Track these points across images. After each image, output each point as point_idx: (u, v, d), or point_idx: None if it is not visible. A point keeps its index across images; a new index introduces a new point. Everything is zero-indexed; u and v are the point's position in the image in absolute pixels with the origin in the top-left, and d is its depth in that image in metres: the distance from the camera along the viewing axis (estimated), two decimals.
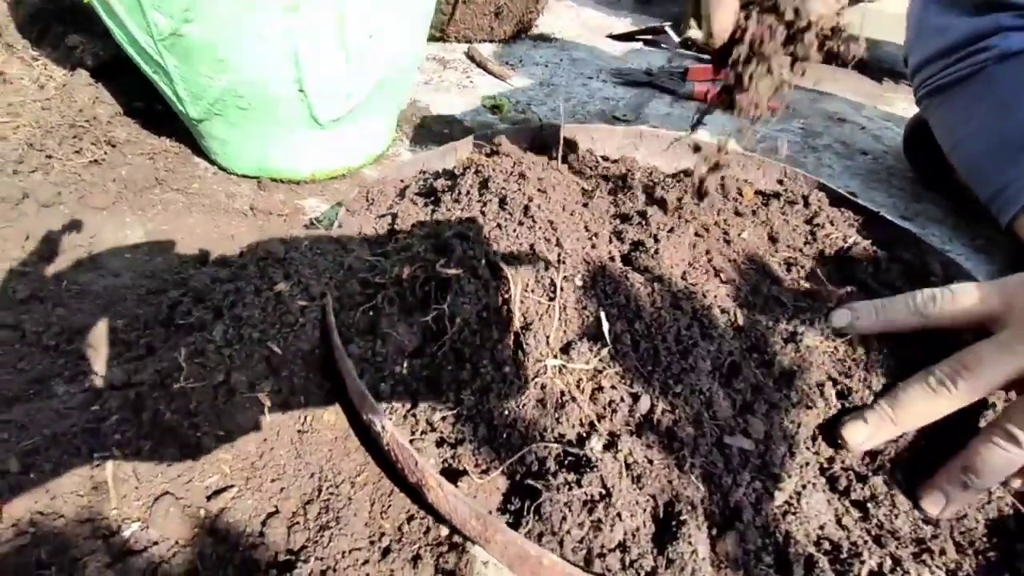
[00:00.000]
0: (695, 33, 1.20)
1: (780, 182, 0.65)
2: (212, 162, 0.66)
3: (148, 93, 0.72)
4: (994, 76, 0.68)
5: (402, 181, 0.51)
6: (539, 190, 0.38)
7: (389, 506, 0.34)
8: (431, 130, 0.80)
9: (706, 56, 1.18)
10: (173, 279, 0.45)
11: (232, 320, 0.34)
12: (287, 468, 0.33)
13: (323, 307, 0.34)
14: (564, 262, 0.34)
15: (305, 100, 0.55)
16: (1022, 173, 0.64)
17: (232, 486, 0.32)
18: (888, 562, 0.32)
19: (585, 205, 0.44)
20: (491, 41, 1.09)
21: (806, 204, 0.55)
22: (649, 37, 1.23)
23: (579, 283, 0.34)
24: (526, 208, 0.36)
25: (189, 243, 0.55)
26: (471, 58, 1.01)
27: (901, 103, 1.14)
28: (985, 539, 0.34)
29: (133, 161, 0.64)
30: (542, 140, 0.63)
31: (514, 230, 0.35)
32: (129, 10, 0.47)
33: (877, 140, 0.97)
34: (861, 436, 0.33)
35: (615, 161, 0.61)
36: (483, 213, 0.37)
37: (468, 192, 0.39)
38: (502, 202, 0.37)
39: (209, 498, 0.32)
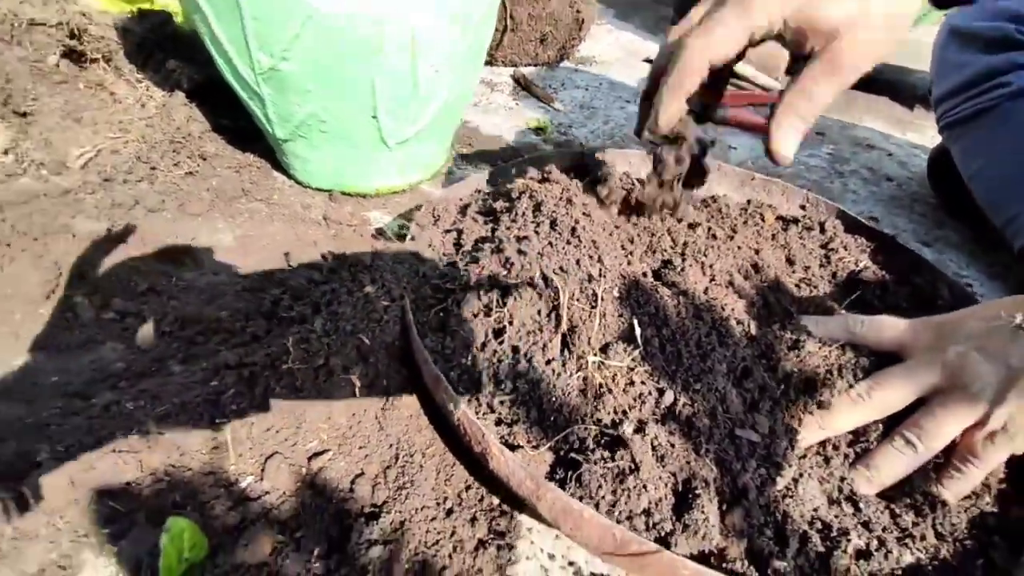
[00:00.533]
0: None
1: (802, 207, 0.70)
2: (289, 176, 0.75)
3: (234, 112, 0.82)
4: (1009, 112, 0.72)
5: (461, 199, 0.59)
6: (584, 214, 0.45)
7: (452, 476, 0.41)
8: (481, 149, 0.87)
9: (743, 84, 1.23)
10: (271, 279, 0.53)
11: (329, 315, 0.41)
12: (371, 438, 0.40)
13: (403, 307, 0.42)
14: (604, 276, 0.41)
15: (377, 125, 0.63)
16: None
17: (328, 450, 0.39)
18: (874, 543, 0.37)
19: (618, 227, 0.51)
20: (536, 65, 1.17)
21: (822, 230, 0.60)
22: None
23: (616, 294, 0.41)
24: (573, 229, 0.43)
25: (273, 247, 0.63)
26: (517, 81, 1.09)
27: (930, 131, 1.17)
28: (965, 531, 0.40)
29: (222, 173, 0.73)
30: (584, 164, 0.69)
31: (563, 248, 0.42)
32: (238, 50, 0.56)
33: (903, 167, 1.01)
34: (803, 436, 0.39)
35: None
36: (536, 233, 0.44)
37: (524, 214, 0.46)
38: (552, 224, 0.44)
39: (310, 459, 0.39)
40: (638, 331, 0.39)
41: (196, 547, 0.36)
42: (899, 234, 0.83)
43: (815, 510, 0.37)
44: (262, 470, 0.39)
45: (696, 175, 0.49)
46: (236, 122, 0.81)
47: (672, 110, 0.44)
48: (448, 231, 0.50)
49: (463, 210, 0.54)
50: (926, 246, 0.81)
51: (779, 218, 0.64)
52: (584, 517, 0.31)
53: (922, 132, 1.17)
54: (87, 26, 0.75)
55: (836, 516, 0.37)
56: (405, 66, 0.58)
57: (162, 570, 0.34)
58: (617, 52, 1.33)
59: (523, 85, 1.06)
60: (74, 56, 0.74)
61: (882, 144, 1.08)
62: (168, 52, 0.82)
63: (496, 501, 0.42)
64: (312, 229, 0.67)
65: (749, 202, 0.66)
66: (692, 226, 0.55)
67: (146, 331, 0.50)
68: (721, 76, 0.47)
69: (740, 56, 0.44)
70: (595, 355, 0.38)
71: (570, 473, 0.35)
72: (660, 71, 0.45)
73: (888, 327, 0.42)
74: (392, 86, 0.60)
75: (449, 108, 0.69)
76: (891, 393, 0.38)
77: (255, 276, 0.57)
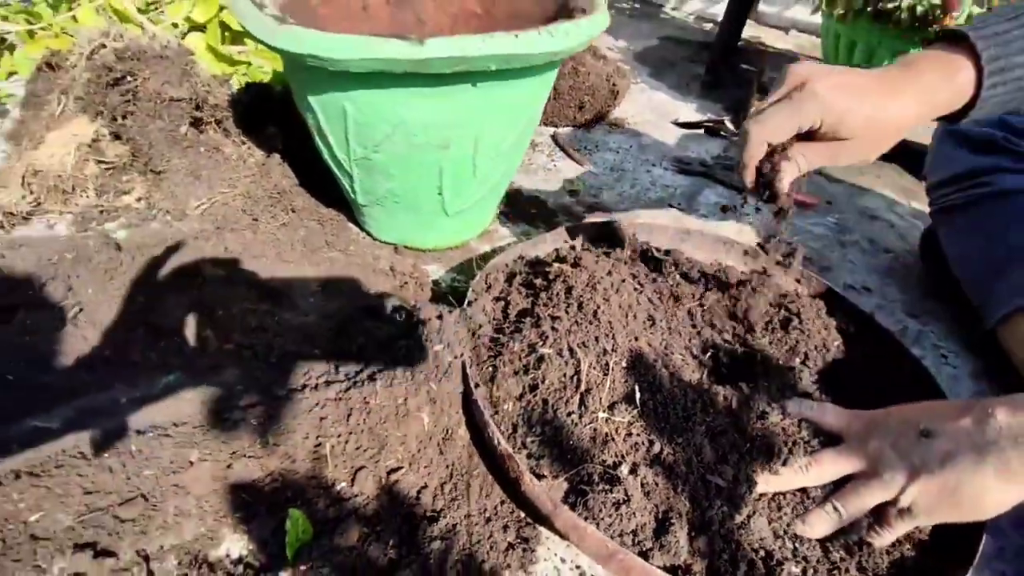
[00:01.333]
0: None
1: (798, 280, 0.82)
2: (362, 230, 0.90)
3: (319, 173, 0.98)
4: (989, 208, 0.83)
5: (507, 265, 0.73)
6: (604, 299, 0.58)
7: (491, 492, 0.55)
8: (522, 209, 1.01)
9: None
10: (356, 326, 0.67)
11: (407, 365, 0.55)
12: (434, 460, 0.54)
13: (463, 363, 0.56)
14: (615, 351, 0.54)
15: (441, 199, 0.78)
16: (1002, 290, 0.79)
17: (402, 467, 0.53)
18: (809, 571, 0.49)
19: (638, 302, 0.64)
20: (573, 126, 1.31)
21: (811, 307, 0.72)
22: (710, 125, 1.41)
23: (624, 365, 0.54)
24: (595, 312, 0.56)
25: (352, 294, 0.78)
26: (555, 141, 1.23)
27: None
28: (885, 570, 0.51)
29: (308, 225, 0.88)
30: (611, 232, 0.83)
31: (586, 327, 0.55)
32: (337, 141, 0.71)
33: (903, 239, 1.11)
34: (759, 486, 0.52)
35: (667, 253, 0.81)
36: (567, 312, 0.57)
37: (557, 294, 0.59)
38: (580, 306, 0.57)
39: (389, 473, 0.53)
40: (638, 396, 0.52)
41: (305, 532, 0.51)
42: (888, 304, 0.94)
43: (762, 540, 0.49)
44: (352, 479, 0.53)
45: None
46: (319, 181, 0.97)
47: (748, 176, 0.60)
48: (498, 299, 0.64)
49: (509, 279, 0.68)
50: (912, 317, 0.92)
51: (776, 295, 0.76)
52: (588, 532, 0.44)
53: (925, 202, 1.26)
54: (207, 97, 0.91)
55: (779, 548, 0.49)
56: (467, 156, 0.73)
57: (288, 545, 0.48)
58: (648, 114, 1.46)
59: (560, 146, 1.20)
60: (196, 123, 0.90)
61: (885, 215, 1.19)
62: (267, 118, 0.98)
63: (523, 515, 0.55)
64: (381, 279, 0.82)
65: (753, 272, 0.78)
66: (699, 299, 0.68)
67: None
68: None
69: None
70: (604, 411, 0.51)
71: (579, 499, 0.48)
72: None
73: (831, 414, 0.54)
74: (455, 171, 0.74)
75: (499, 184, 0.84)
76: (825, 469, 0.51)
77: (341, 321, 0.71)
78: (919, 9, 1.03)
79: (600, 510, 0.47)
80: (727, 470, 0.51)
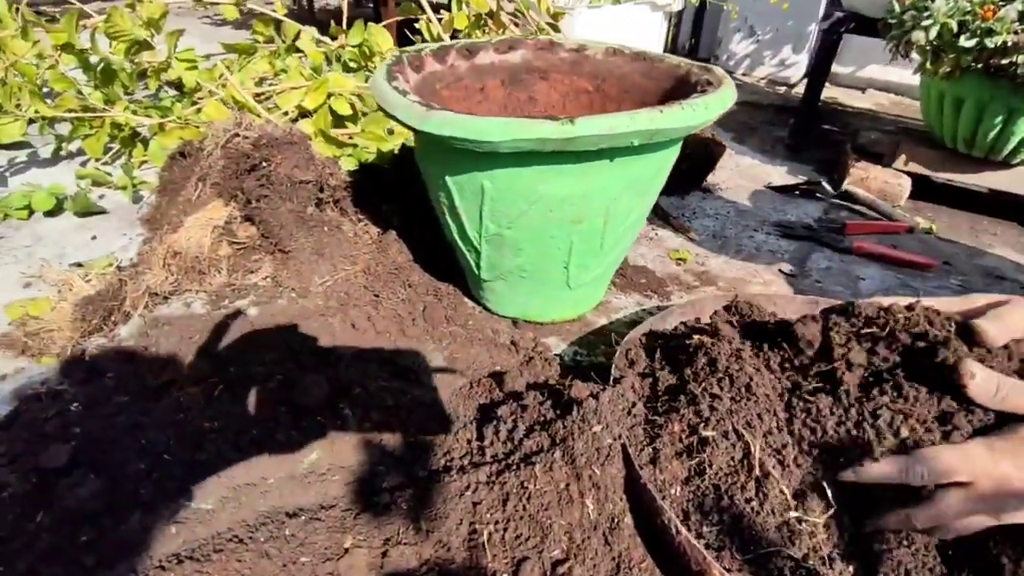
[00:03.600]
0: (850, 187, 1.33)
1: None
2: (478, 304, 0.90)
3: (431, 247, 1.00)
4: None
5: (642, 340, 0.71)
6: (755, 369, 0.55)
7: None
8: (631, 280, 1.00)
9: (862, 209, 1.31)
10: (496, 406, 0.66)
11: (565, 449, 0.53)
12: (599, 551, 0.51)
13: (623, 445, 0.53)
14: (782, 431, 0.51)
15: (566, 273, 0.77)
16: None
17: (568, 559, 0.50)
18: None
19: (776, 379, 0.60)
20: (670, 195, 1.31)
21: None
22: (805, 188, 1.38)
23: (799, 449, 0.50)
24: (748, 386, 0.53)
25: (478, 368, 0.77)
26: (655, 210, 1.22)
27: None
28: None
29: (426, 300, 0.89)
30: (736, 306, 0.80)
31: (744, 404, 0.52)
32: (470, 219, 0.72)
33: None
34: None
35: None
36: (720, 387, 0.54)
37: (703, 368, 0.57)
38: (731, 381, 0.54)
39: (554, 565, 0.50)
40: (829, 492, 0.48)
41: None
42: None
43: None
44: (516, 571, 0.50)
45: None
46: (432, 255, 0.99)
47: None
48: (644, 375, 0.62)
49: (649, 353, 0.66)
50: None
51: None
52: None
53: None
54: (328, 179, 0.96)
55: None
56: (597, 230, 0.73)
57: None
58: (738, 179, 1.44)
59: (660, 215, 1.20)
60: (319, 203, 0.95)
61: (1014, 275, 1.11)
62: (382, 197, 1.02)
63: None
64: (504, 354, 0.81)
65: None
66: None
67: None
68: None
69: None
70: (790, 501, 0.47)
71: None
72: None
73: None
74: (584, 244, 0.74)
75: (619, 257, 0.83)
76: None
77: (479, 399, 0.70)
78: None
79: None
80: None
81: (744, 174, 1.48)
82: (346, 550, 0.53)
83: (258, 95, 1.34)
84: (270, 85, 1.38)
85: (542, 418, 0.58)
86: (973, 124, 1.17)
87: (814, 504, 0.47)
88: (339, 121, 1.32)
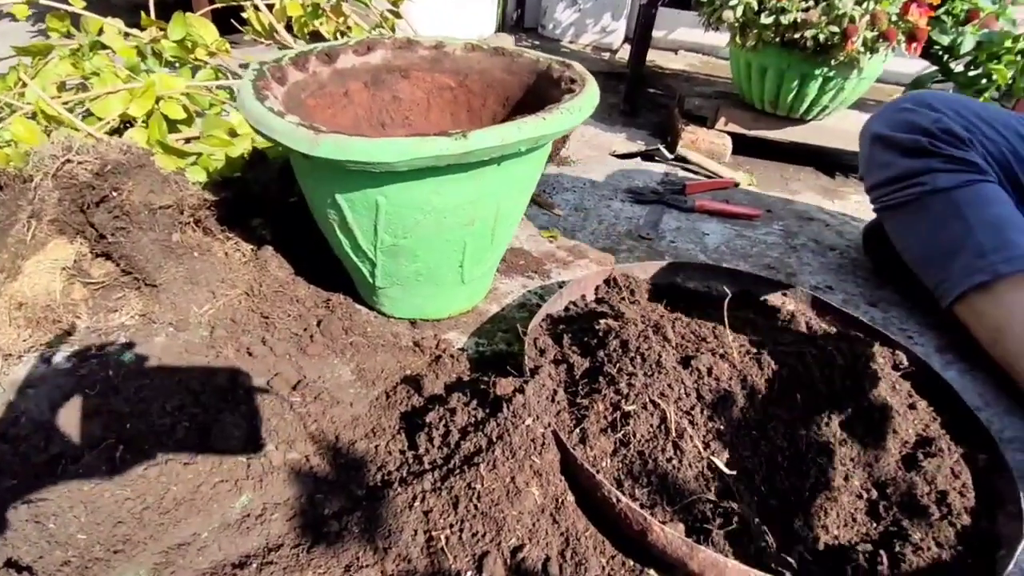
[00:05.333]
0: (683, 151, 1.49)
1: (784, 294, 0.92)
2: (372, 309, 0.90)
3: (311, 257, 0.97)
4: (926, 205, 0.96)
5: (541, 327, 0.76)
6: (661, 346, 0.63)
7: (604, 549, 0.58)
8: (511, 262, 1.05)
9: (695, 169, 1.47)
10: (422, 411, 0.68)
11: (504, 446, 0.57)
12: (549, 531, 0.56)
13: (554, 432, 0.59)
14: (689, 396, 0.60)
15: (461, 271, 0.80)
16: (949, 276, 0.92)
17: (524, 544, 0.55)
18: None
19: (669, 341, 0.69)
20: None
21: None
22: (646, 152, 1.52)
23: (704, 403, 0.59)
24: (658, 361, 0.61)
25: (389, 377, 0.78)
26: None
27: (853, 196, 1.45)
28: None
29: (319, 314, 0.87)
30: (615, 279, 0.89)
31: (657, 378, 0.60)
32: (364, 232, 0.72)
33: (841, 236, 1.26)
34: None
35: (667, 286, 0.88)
36: (632, 365, 0.62)
37: (616, 351, 0.64)
38: (643, 359, 0.62)
39: (513, 553, 0.55)
40: (723, 462, 0.57)
41: None
42: (851, 299, 1.06)
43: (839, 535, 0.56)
44: (478, 566, 0.54)
45: None
46: (312, 265, 0.96)
47: None
48: (557, 363, 0.67)
49: (556, 340, 0.71)
50: (872, 306, 1.05)
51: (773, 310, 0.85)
52: (728, 567, 0.49)
53: (845, 199, 1.44)
54: (188, 199, 0.88)
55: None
56: (488, 228, 0.76)
57: None
58: (586, 149, 1.55)
59: None
60: (181, 227, 0.87)
61: (819, 215, 1.34)
62: (246, 210, 0.96)
63: (631, 563, 0.59)
64: (410, 356, 0.82)
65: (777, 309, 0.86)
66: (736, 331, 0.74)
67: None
68: None
69: None
70: (702, 451, 0.56)
71: (702, 537, 0.53)
72: None
73: None
74: (476, 243, 0.77)
75: (507, 246, 0.87)
76: None
77: (400, 407, 0.72)
78: (821, 38, 1.18)
79: (726, 543, 0.52)
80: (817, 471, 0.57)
81: (590, 143, 1.59)
82: None
83: (67, 103, 1.17)
84: (78, 91, 1.21)
85: (473, 419, 0.62)
86: (775, 88, 1.36)
87: (720, 447, 0.57)
88: (172, 127, 1.20)
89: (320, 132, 0.60)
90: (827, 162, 1.58)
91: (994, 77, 1.45)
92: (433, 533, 0.56)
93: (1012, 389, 0.87)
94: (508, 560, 0.54)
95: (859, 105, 1.49)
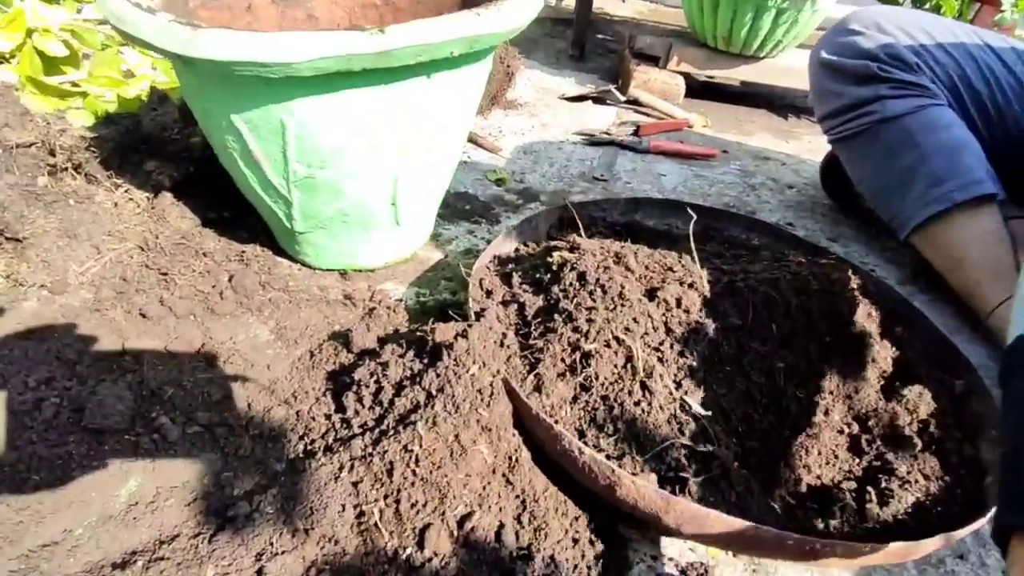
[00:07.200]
0: (636, 92, 1.41)
1: (750, 229, 0.85)
2: (295, 261, 0.78)
3: (219, 204, 0.84)
4: (878, 134, 0.91)
5: (488, 268, 0.67)
6: (624, 277, 0.55)
7: (567, 510, 0.50)
8: (455, 207, 0.95)
9: (648, 111, 1.40)
10: (347, 371, 0.58)
11: (446, 398, 0.48)
12: (502, 494, 0.48)
13: (504, 380, 0.50)
14: (657, 330, 0.52)
15: (395, 210, 0.70)
16: (904, 208, 0.88)
17: (473, 512, 0.46)
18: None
19: (632, 271, 0.61)
20: None
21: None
22: (597, 96, 1.43)
23: (671, 340, 0.52)
24: (621, 293, 0.53)
25: (315, 334, 0.68)
26: None
27: (805, 136, 1.40)
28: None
29: (231, 268, 0.75)
30: (569, 217, 0.80)
31: (621, 311, 0.52)
32: (272, 163, 0.60)
33: (797, 174, 1.21)
34: None
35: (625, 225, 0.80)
36: (593, 300, 0.53)
37: (572, 284, 0.55)
38: (604, 291, 0.54)
39: (460, 523, 0.46)
40: (697, 402, 0.50)
41: None
42: (810, 235, 1.01)
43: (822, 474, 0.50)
44: (419, 541, 0.45)
45: None
46: (221, 213, 0.84)
47: None
48: (506, 303, 0.58)
49: (506, 280, 0.62)
50: (833, 241, 1.00)
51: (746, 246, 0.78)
52: (710, 517, 0.41)
53: (799, 139, 1.39)
54: (59, 138, 0.74)
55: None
56: (423, 158, 0.66)
57: None
58: (534, 93, 1.44)
59: (469, 138, 1.15)
60: (53, 171, 0.73)
61: (775, 155, 1.28)
62: (142, 153, 0.82)
63: (599, 523, 0.51)
64: (340, 311, 0.72)
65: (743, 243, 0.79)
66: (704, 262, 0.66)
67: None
68: None
69: None
70: (673, 391, 0.49)
71: (676, 488, 0.45)
72: None
73: None
74: (411, 176, 0.67)
75: (445, 183, 0.77)
76: None
77: (325, 366, 0.61)
78: None
79: (704, 492, 0.44)
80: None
81: (537, 87, 1.49)
82: None
83: None
84: None
85: (409, 372, 0.52)
86: (728, 23, 1.29)
87: (693, 386, 0.49)
88: (53, 66, 1.03)
89: (199, 27, 0.48)
90: (780, 104, 1.53)
91: (943, 10, 1.42)
92: (364, 507, 0.47)
93: (973, 318, 0.84)
94: (455, 531, 0.46)
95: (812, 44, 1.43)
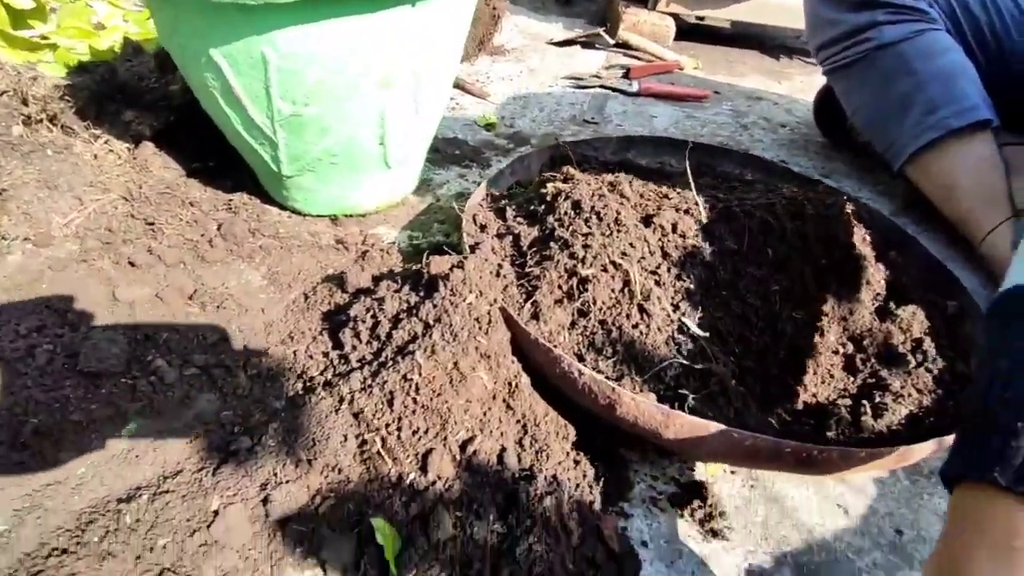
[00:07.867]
0: (625, 35, 1.38)
1: (744, 165, 0.84)
2: (284, 208, 0.77)
3: (203, 153, 0.82)
4: (875, 61, 0.90)
5: (481, 205, 0.66)
6: (619, 203, 0.55)
7: (567, 434, 0.50)
8: (445, 153, 0.93)
9: (638, 54, 1.37)
10: (342, 311, 0.58)
11: (444, 327, 0.48)
12: (503, 419, 0.48)
13: (502, 308, 0.49)
14: (654, 254, 0.51)
15: (383, 150, 0.68)
16: (902, 133, 0.87)
17: (475, 437, 0.46)
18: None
19: (627, 199, 0.61)
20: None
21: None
22: (585, 40, 1.40)
23: (667, 263, 0.51)
24: (616, 219, 0.53)
25: (307, 278, 0.67)
26: None
27: (797, 76, 1.38)
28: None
29: (220, 216, 0.74)
30: (560, 155, 0.79)
31: (617, 237, 0.51)
32: (254, 100, 0.59)
33: (789, 113, 1.19)
34: None
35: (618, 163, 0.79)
36: (587, 225, 0.53)
37: (567, 213, 0.55)
38: (599, 217, 0.53)
39: (462, 447, 0.46)
40: (694, 323, 0.50)
41: (396, 539, 0.43)
42: (803, 171, 1.00)
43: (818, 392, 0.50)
44: (422, 466, 0.46)
45: None
46: (206, 163, 0.82)
47: None
48: (501, 235, 0.58)
49: (500, 215, 0.62)
50: (826, 178, 0.99)
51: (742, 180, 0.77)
52: (710, 429, 0.42)
53: (791, 79, 1.37)
54: (31, 88, 0.72)
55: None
56: (410, 93, 0.64)
57: (389, 560, 0.41)
58: (521, 39, 1.41)
59: (456, 84, 1.12)
60: (27, 121, 0.71)
61: (767, 95, 1.26)
62: (119, 103, 0.80)
63: (600, 444, 0.52)
64: (332, 255, 0.71)
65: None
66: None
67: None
68: None
69: None
70: (671, 313, 0.49)
71: (675, 404, 0.46)
72: None
73: None
74: (397, 112, 0.65)
75: (434, 124, 0.75)
76: None
77: (320, 307, 0.61)
78: None
79: (703, 408, 0.45)
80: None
81: (524, 32, 1.45)
82: (216, 512, 0.44)
83: None
84: None
85: (405, 305, 0.52)
86: None
87: (690, 309, 0.49)
88: (20, 20, 1.00)
89: None
90: (772, 45, 1.50)
91: None
92: (366, 436, 0.47)
93: (965, 246, 0.85)
94: (457, 455, 0.46)
95: None
